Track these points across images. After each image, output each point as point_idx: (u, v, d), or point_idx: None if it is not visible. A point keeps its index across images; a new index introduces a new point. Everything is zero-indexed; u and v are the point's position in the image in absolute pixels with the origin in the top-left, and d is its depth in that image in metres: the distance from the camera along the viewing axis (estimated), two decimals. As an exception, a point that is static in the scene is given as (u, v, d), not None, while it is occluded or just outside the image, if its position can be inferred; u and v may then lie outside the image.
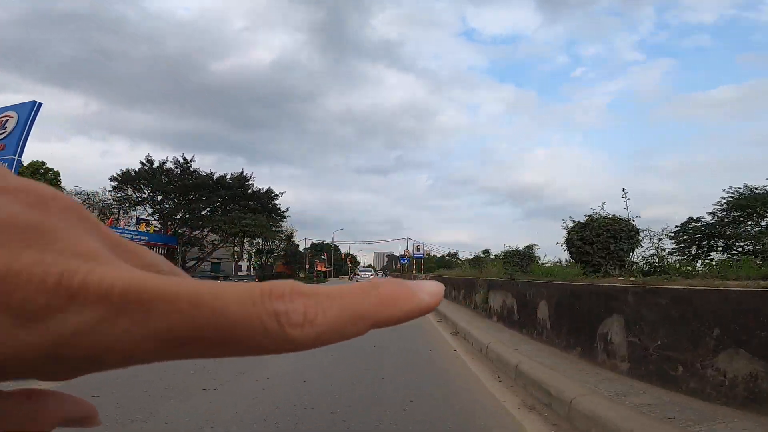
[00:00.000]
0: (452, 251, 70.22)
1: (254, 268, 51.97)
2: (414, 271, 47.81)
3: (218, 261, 49.49)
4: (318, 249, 75.95)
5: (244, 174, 34.92)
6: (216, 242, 35.92)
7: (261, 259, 46.90)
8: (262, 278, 38.17)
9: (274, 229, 36.71)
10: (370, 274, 64.20)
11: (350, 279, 69.31)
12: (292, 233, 51.65)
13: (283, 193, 44.84)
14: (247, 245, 43.54)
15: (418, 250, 53.05)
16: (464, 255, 54.51)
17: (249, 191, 35.11)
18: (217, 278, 34.84)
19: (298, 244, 55.83)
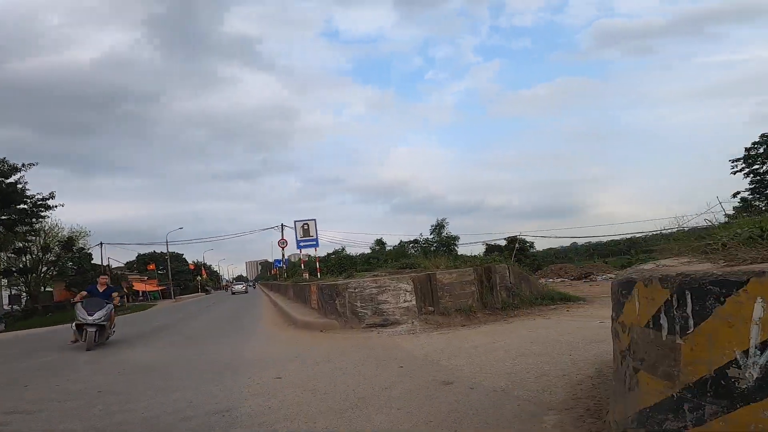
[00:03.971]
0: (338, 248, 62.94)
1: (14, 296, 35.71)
2: (306, 274, 24.99)
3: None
4: (147, 260, 65.29)
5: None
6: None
7: (27, 281, 32.46)
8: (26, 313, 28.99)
9: (19, 230, 28.43)
10: (242, 286, 66.39)
11: (207, 294, 65.79)
12: (72, 238, 36.43)
13: (49, 198, 31.25)
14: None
15: (307, 233, 23.42)
16: (352, 250, 54.95)
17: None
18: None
19: (90, 254, 41.58)
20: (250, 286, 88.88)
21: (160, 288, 60.77)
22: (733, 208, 32.58)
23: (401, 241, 57.39)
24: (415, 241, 55.23)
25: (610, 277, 21.85)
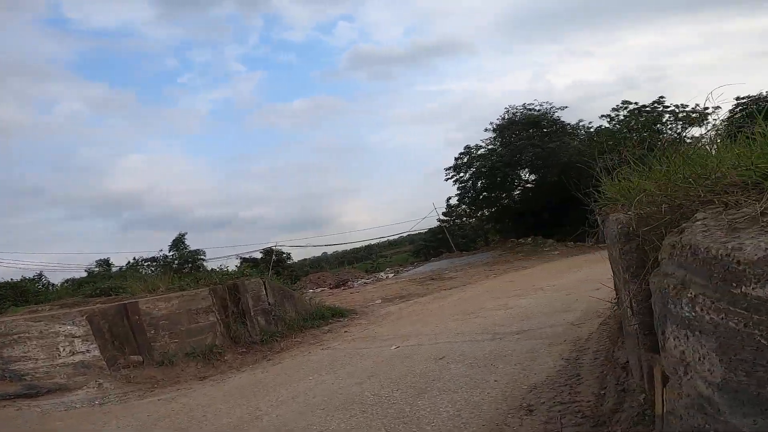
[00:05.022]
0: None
1: None
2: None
3: None
4: None
5: None
6: None
7: None
8: None
9: None
10: None
11: None
12: None
13: None
14: None
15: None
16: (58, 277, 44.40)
17: None
18: None
19: None
20: None
21: None
22: (442, 213, 39.16)
23: (135, 259, 46.53)
24: (153, 259, 45.60)
25: (365, 282, 21.74)
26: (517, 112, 26.92)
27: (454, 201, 32.70)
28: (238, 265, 41.01)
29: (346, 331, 7.84)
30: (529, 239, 24.42)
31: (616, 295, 4.11)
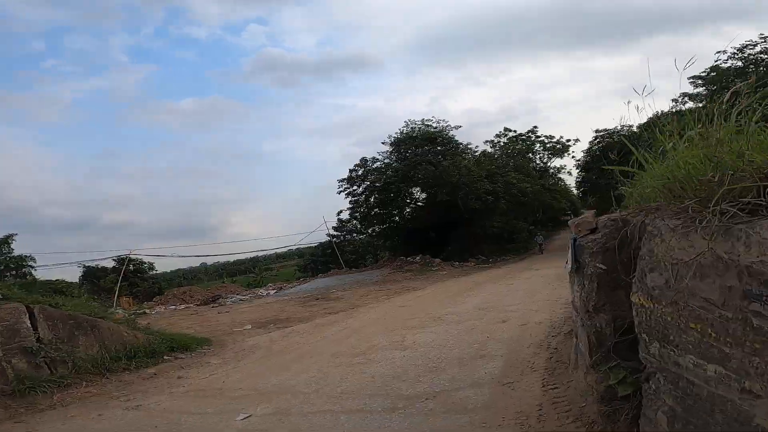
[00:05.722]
0: None
1: None
2: None
3: None
4: None
5: None
6: None
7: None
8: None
9: None
10: None
11: None
12: None
13: None
14: None
15: None
16: None
17: None
18: None
19: None
20: None
21: None
22: (333, 227, 37.49)
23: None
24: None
25: (241, 299, 18.79)
26: (416, 127, 26.64)
27: (345, 215, 31.21)
28: (81, 275, 33.92)
29: (180, 377, 5.43)
30: (418, 258, 23.82)
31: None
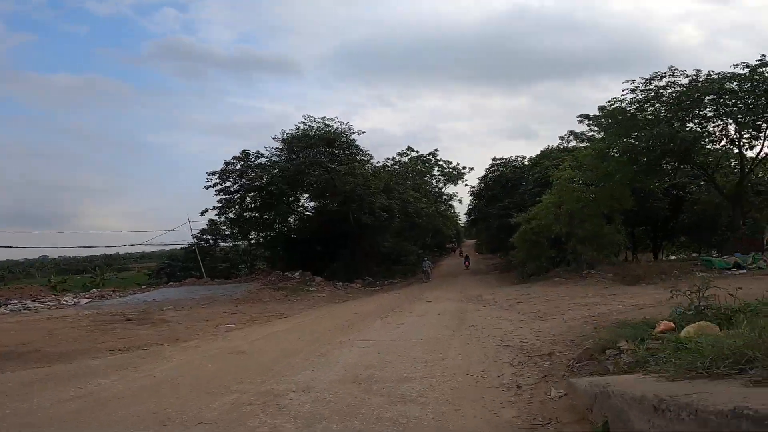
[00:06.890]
0: None
1: None
2: None
3: None
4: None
5: None
6: None
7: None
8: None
9: None
10: None
11: None
12: None
13: None
14: None
15: None
16: None
17: None
18: None
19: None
20: None
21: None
22: (201, 229, 32.18)
23: None
24: None
25: (22, 309, 13.26)
26: (314, 125, 23.13)
27: (213, 215, 25.97)
28: None
29: None
30: (297, 274, 20.24)
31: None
